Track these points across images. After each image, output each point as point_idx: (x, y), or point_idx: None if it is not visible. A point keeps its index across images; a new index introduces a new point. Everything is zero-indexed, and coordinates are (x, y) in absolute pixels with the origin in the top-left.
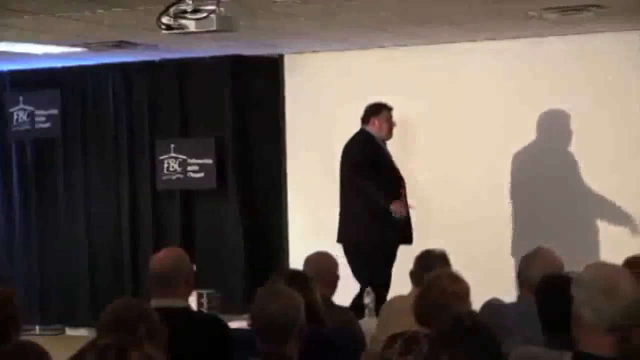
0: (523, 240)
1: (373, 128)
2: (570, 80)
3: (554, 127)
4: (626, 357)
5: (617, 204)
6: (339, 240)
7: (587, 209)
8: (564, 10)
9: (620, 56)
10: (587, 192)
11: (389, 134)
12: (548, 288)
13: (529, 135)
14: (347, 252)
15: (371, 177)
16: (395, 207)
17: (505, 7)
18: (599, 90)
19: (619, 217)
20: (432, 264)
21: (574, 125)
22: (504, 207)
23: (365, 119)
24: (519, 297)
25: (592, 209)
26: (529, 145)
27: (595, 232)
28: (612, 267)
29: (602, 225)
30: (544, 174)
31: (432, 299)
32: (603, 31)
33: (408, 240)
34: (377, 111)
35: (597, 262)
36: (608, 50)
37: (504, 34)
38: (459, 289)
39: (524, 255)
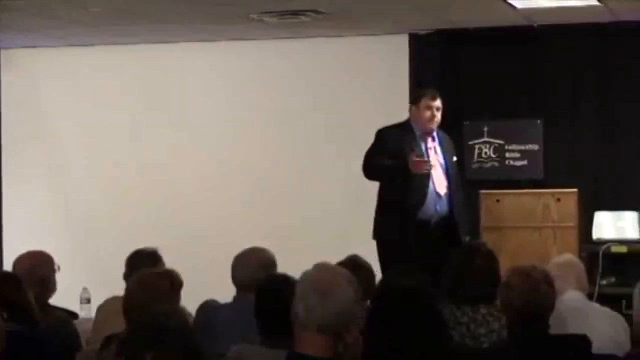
0: (241, 240)
1: (411, 117)
2: (290, 82)
3: (275, 128)
4: (339, 357)
5: (341, 205)
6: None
7: (310, 209)
8: (283, 14)
9: (342, 60)
10: (301, 193)
11: (427, 125)
12: (266, 287)
13: (251, 136)
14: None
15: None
16: (413, 163)
17: (227, 10)
18: (319, 93)
19: (340, 217)
20: (141, 263)
21: (292, 126)
22: (224, 205)
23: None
24: (235, 297)
25: (313, 209)
26: (248, 145)
27: (316, 232)
28: (333, 269)
29: (324, 225)
30: (261, 175)
31: (136, 298)
32: (318, 36)
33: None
34: (415, 99)
35: (322, 262)
36: (329, 53)
37: (227, 35)
38: (164, 286)
39: (236, 255)
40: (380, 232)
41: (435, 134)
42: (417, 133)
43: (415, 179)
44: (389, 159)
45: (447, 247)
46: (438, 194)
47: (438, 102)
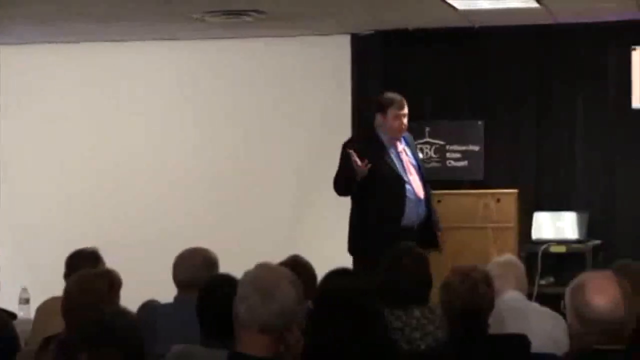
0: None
1: (377, 124)
2: (233, 82)
3: (218, 128)
4: (280, 357)
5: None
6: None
7: (255, 208)
8: (226, 14)
9: (285, 60)
10: (243, 193)
11: (397, 134)
12: (208, 287)
13: (194, 135)
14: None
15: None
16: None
17: (169, 9)
18: (262, 93)
19: (289, 216)
20: (81, 264)
21: (235, 126)
22: (166, 205)
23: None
24: (176, 297)
25: (259, 209)
26: (191, 144)
27: (263, 232)
28: (275, 269)
29: (272, 224)
30: (198, 175)
31: (74, 298)
32: (261, 36)
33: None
34: (381, 108)
35: (263, 262)
36: (272, 53)
37: (169, 35)
38: (103, 286)
39: (178, 254)
40: (360, 246)
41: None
42: (385, 139)
43: (392, 189)
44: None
45: (429, 248)
46: (419, 198)
47: (405, 110)
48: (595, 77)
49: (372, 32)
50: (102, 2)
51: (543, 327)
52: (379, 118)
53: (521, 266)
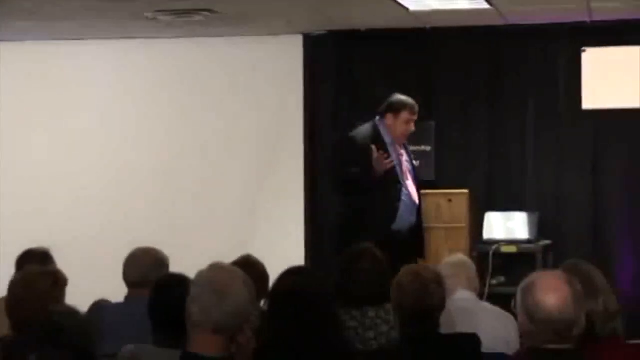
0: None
1: (384, 124)
2: (185, 82)
3: (170, 127)
4: (230, 356)
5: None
6: None
7: (206, 208)
8: (178, 13)
9: (238, 60)
10: (196, 192)
11: (402, 139)
12: (161, 286)
13: (145, 135)
14: None
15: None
16: (377, 161)
17: (121, 7)
18: (215, 92)
19: (237, 216)
20: (31, 264)
21: (187, 126)
22: (117, 205)
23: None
24: (127, 297)
25: (210, 209)
26: (141, 143)
27: (211, 231)
28: (229, 269)
29: (220, 224)
30: (153, 174)
31: (17, 296)
32: (213, 36)
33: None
34: (394, 109)
35: (216, 262)
36: (224, 53)
37: (122, 34)
38: (46, 285)
39: (129, 254)
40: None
41: None
42: (387, 140)
43: (390, 191)
44: (357, 169)
45: (414, 255)
46: (413, 203)
47: (416, 116)
48: (546, 79)
49: (325, 32)
50: (53, 0)
51: (494, 326)
52: (389, 118)
53: (472, 266)
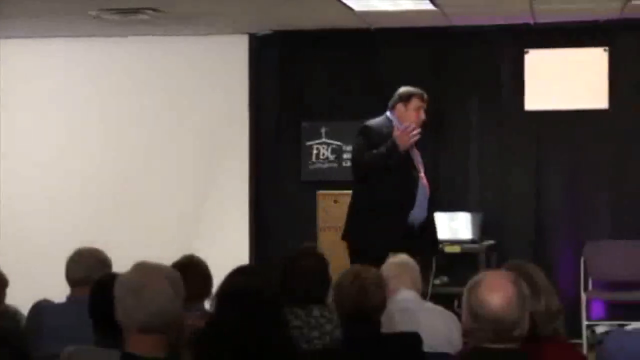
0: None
1: (395, 114)
2: (131, 81)
3: (115, 127)
4: (171, 355)
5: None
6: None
7: (154, 209)
8: (122, 11)
9: (183, 59)
10: (142, 192)
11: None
12: (100, 287)
13: (89, 134)
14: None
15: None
16: (401, 137)
17: (64, 5)
18: (160, 91)
19: (188, 215)
20: None
21: (133, 125)
22: (64, 204)
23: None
24: (69, 297)
25: (158, 209)
26: (87, 142)
27: (162, 231)
28: (149, 268)
29: (171, 224)
30: (98, 173)
31: None
32: (159, 34)
33: (425, 250)
34: (404, 98)
35: (140, 262)
36: (170, 52)
37: (66, 32)
38: None
39: (71, 254)
40: (360, 234)
41: None
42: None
43: (407, 180)
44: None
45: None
46: (426, 196)
47: (426, 104)
48: (490, 80)
49: (270, 32)
50: None
51: (436, 325)
52: (400, 108)
53: (415, 266)
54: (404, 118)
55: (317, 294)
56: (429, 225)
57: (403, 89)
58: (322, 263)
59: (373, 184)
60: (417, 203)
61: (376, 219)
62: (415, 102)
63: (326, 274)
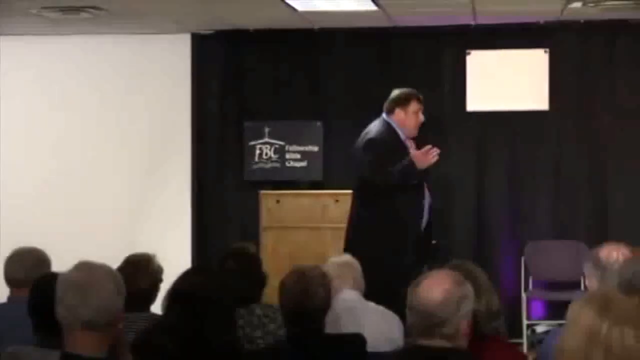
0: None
1: (395, 119)
2: (73, 79)
3: (56, 125)
4: (112, 354)
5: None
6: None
7: (94, 209)
8: (63, 10)
9: (125, 58)
10: (85, 192)
11: (414, 131)
12: (40, 286)
13: (34, 133)
14: None
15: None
16: (420, 157)
17: (5, 3)
18: (102, 90)
19: (128, 216)
20: None
21: (75, 124)
22: (4, 202)
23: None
24: (9, 297)
25: (98, 209)
26: (28, 140)
27: (100, 233)
28: (90, 266)
29: (106, 223)
30: (40, 171)
31: None
32: (101, 33)
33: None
34: (402, 101)
35: (81, 261)
36: (112, 51)
37: (7, 30)
38: None
39: (10, 253)
40: (369, 245)
41: None
42: (402, 137)
43: (416, 190)
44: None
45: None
46: (429, 202)
47: (422, 105)
48: (432, 81)
49: (213, 32)
50: None
51: (379, 325)
52: (399, 113)
53: (358, 266)
54: (404, 123)
55: (248, 293)
56: (429, 229)
57: (398, 92)
58: (253, 263)
59: (386, 198)
60: (424, 212)
61: (391, 232)
62: (414, 105)
63: (258, 274)
